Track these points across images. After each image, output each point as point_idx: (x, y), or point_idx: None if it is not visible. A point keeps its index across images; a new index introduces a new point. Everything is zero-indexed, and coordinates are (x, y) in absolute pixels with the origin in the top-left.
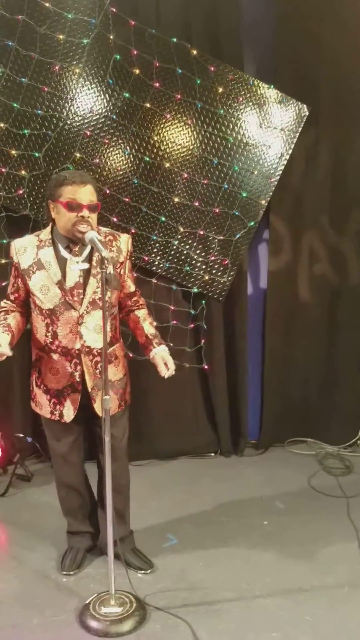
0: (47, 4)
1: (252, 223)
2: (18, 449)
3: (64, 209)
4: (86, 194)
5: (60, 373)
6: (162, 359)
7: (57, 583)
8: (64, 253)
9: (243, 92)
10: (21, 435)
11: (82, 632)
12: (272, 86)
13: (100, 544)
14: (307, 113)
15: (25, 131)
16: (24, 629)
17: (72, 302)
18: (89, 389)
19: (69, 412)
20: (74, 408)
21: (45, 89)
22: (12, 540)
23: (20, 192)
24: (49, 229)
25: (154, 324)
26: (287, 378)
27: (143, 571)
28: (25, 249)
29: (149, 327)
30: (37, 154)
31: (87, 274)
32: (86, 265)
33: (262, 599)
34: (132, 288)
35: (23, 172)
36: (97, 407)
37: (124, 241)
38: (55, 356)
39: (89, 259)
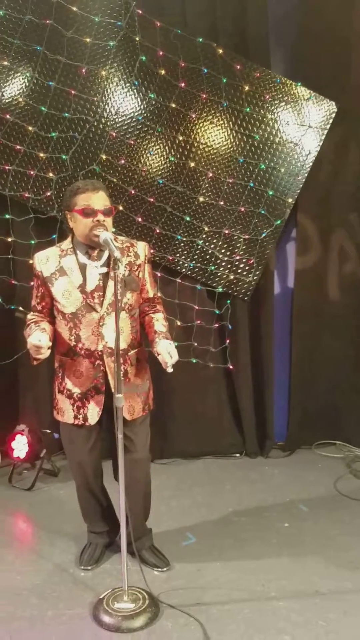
0: (74, 8)
1: (278, 221)
2: (45, 445)
3: (80, 216)
4: (99, 199)
5: (84, 375)
6: (166, 348)
7: (74, 577)
8: (83, 259)
9: (270, 90)
10: (48, 431)
11: (94, 627)
12: (299, 84)
13: (118, 541)
14: (335, 110)
15: (53, 134)
16: (39, 621)
17: (93, 305)
18: (112, 389)
19: (93, 414)
20: (98, 409)
21: (73, 92)
22: (34, 533)
23: (48, 193)
24: (69, 239)
25: (167, 326)
26: (315, 379)
27: (159, 569)
28: (48, 258)
29: (160, 326)
30: (64, 157)
31: (106, 277)
32: (104, 269)
33: (275, 601)
34: (151, 294)
35: (51, 174)
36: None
37: (141, 247)
38: (79, 359)
39: (107, 263)
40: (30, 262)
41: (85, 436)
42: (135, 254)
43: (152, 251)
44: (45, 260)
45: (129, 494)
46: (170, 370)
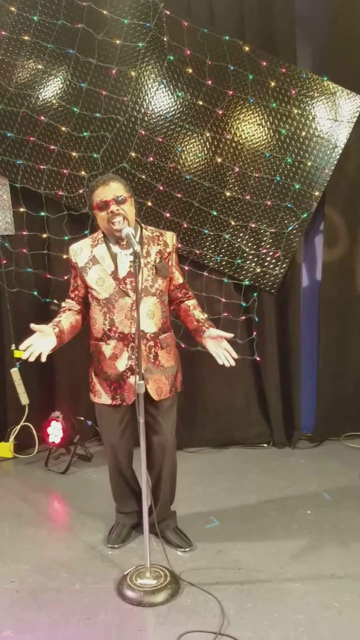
0: (104, 12)
1: (304, 215)
2: (78, 431)
3: (97, 212)
4: (110, 190)
5: (120, 358)
6: (218, 333)
7: (102, 555)
8: (115, 248)
9: (295, 85)
10: (82, 418)
11: (118, 600)
12: (325, 78)
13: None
14: None
15: (85, 134)
16: (67, 593)
17: (126, 290)
18: (143, 371)
19: (129, 394)
20: (134, 390)
21: (104, 92)
22: (67, 513)
23: (80, 191)
24: (100, 230)
25: (204, 313)
26: (342, 371)
27: (182, 549)
28: (82, 249)
29: (199, 314)
30: (95, 155)
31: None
32: (130, 256)
33: (292, 582)
34: (181, 280)
35: (83, 172)
36: (150, 388)
37: (169, 236)
38: (113, 342)
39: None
40: (65, 256)
41: (119, 418)
42: (165, 242)
43: (179, 243)
44: (79, 252)
45: (154, 477)
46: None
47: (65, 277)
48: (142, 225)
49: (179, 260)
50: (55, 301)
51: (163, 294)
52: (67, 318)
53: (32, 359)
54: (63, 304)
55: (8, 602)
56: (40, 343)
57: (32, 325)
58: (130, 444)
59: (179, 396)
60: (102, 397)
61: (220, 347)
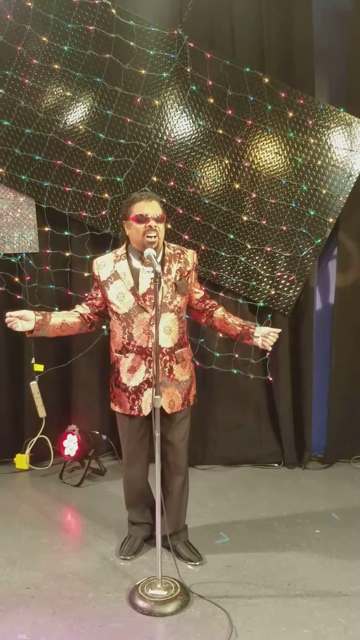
0: (131, 43)
1: (319, 240)
2: (93, 445)
3: (134, 222)
4: (152, 208)
5: (137, 370)
6: (268, 329)
7: (115, 565)
8: (137, 264)
9: (312, 116)
10: (97, 432)
11: (129, 609)
12: (342, 109)
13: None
14: None
15: (109, 158)
16: (80, 600)
17: (145, 306)
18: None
19: (146, 406)
20: (150, 402)
21: (128, 120)
22: (80, 525)
23: (103, 213)
24: (123, 246)
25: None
26: (354, 393)
27: (192, 563)
28: (105, 264)
29: (235, 319)
30: (118, 179)
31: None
32: (150, 273)
33: (299, 598)
34: (201, 293)
35: (106, 195)
36: (163, 402)
37: (190, 254)
38: (132, 355)
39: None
40: (86, 274)
41: (138, 429)
42: (185, 260)
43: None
44: (102, 266)
45: (166, 489)
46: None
47: (86, 295)
48: (166, 242)
49: (197, 276)
50: None
51: (181, 310)
52: (65, 316)
53: (8, 325)
54: (77, 306)
55: (23, 607)
56: (22, 322)
57: (10, 313)
58: (147, 456)
59: (191, 413)
60: (122, 407)
61: (267, 339)
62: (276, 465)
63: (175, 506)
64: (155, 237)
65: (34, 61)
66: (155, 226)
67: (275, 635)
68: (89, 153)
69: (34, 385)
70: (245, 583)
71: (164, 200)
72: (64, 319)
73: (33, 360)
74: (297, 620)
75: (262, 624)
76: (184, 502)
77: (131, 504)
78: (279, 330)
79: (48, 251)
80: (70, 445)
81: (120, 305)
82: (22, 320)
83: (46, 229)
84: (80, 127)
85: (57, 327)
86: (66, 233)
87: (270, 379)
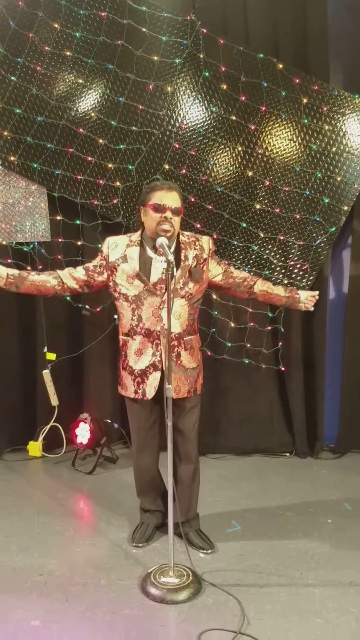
0: (143, 29)
1: (333, 229)
2: (105, 433)
3: (151, 210)
4: (171, 199)
5: (144, 353)
6: (308, 293)
7: (127, 553)
8: (150, 253)
9: (327, 102)
10: (109, 420)
11: (142, 597)
12: (357, 96)
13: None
14: None
15: (121, 146)
16: (93, 587)
17: (154, 291)
18: (163, 369)
19: (150, 390)
20: (155, 386)
21: (140, 107)
22: (93, 512)
23: (115, 201)
24: (139, 232)
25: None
26: None
27: (204, 551)
28: (117, 245)
29: (278, 289)
30: (130, 167)
31: (175, 266)
32: (164, 265)
33: (311, 587)
34: (221, 270)
35: (118, 183)
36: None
37: (206, 241)
38: (139, 338)
39: (175, 255)
40: None
41: (146, 415)
42: (201, 247)
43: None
44: (114, 246)
45: (177, 480)
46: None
47: (90, 265)
48: (180, 231)
49: (219, 260)
50: (87, 306)
51: (193, 297)
52: (39, 277)
53: None
54: (66, 269)
55: (36, 594)
56: None
57: None
58: (157, 444)
59: (203, 402)
60: (127, 390)
61: (309, 303)
62: (287, 455)
63: (186, 494)
64: (170, 228)
65: (46, 48)
66: (171, 218)
67: (287, 624)
68: (101, 141)
69: (46, 373)
70: (257, 572)
71: None
72: (37, 279)
73: (45, 349)
74: (308, 609)
75: (273, 613)
76: (195, 490)
77: (142, 491)
78: (317, 292)
79: (60, 240)
80: (83, 433)
81: (129, 287)
82: None
83: (58, 217)
84: (92, 114)
85: (29, 285)
86: (78, 222)
87: (283, 369)
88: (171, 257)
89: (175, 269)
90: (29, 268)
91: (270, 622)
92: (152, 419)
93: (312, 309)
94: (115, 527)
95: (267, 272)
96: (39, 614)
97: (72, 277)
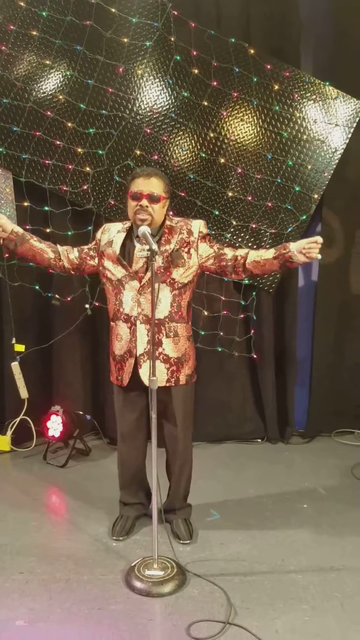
0: (113, 10)
1: (304, 217)
2: (77, 425)
3: (129, 199)
4: (148, 185)
5: (123, 339)
6: (299, 245)
7: (107, 547)
8: (135, 241)
9: (298, 89)
10: (81, 412)
11: (126, 591)
12: (327, 83)
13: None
14: None
15: (91, 130)
16: (76, 583)
17: (135, 276)
18: (137, 355)
19: (125, 377)
20: (129, 372)
21: (110, 90)
22: (69, 506)
23: (85, 187)
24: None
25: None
26: (335, 369)
27: (179, 540)
28: (109, 230)
29: (265, 253)
30: (100, 152)
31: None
32: (144, 254)
33: (294, 574)
34: (212, 252)
35: (88, 168)
36: (143, 373)
37: (196, 225)
38: (120, 323)
39: (157, 242)
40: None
41: (130, 405)
42: (189, 231)
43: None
44: (106, 231)
45: (169, 467)
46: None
47: (86, 246)
48: (168, 217)
49: (211, 240)
50: (57, 295)
51: (176, 282)
52: (40, 245)
53: None
54: (63, 246)
55: (18, 593)
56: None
57: None
58: (143, 437)
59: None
60: (113, 375)
61: (311, 251)
62: (259, 441)
63: (173, 487)
64: (146, 217)
65: (11, 27)
66: (147, 206)
67: (274, 612)
68: (70, 124)
69: (15, 366)
70: (240, 560)
71: None
72: (39, 246)
73: (14, 341)
74: (294, 596)
75: (260, 601)
76: (182, 483)
77: (124, 485)
78: (315, 238)
79: (27, 227)
80: (55, 426)
81: (113, 271)
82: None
83: (25, 203)
84: (60, 97)
85: (29, 248)
86: (46, 208)
87: (255, 356)
88: (155, 247)
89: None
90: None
91: (257, 611)
92: (137, 411)
93: (319, 256)
94: (94, 521)
95: None
96: (23, 614)
97: (67, 257)
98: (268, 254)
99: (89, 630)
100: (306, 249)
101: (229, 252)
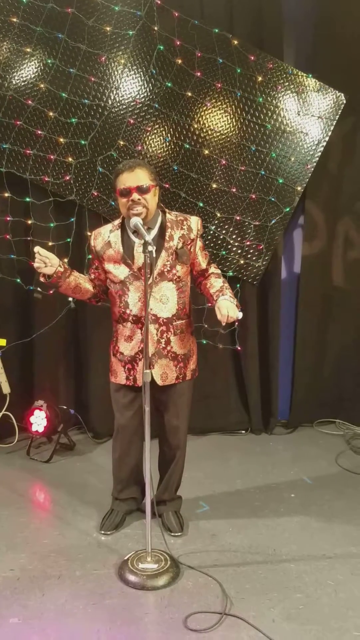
0: None
1: (287, 209)
2: (62, 420)
3: (119, 197)
4: (134, 178)
5: (133, 340)
6: (219, 308)
7: (98, 541)
8: (133, 237)
9: (282, 81)
10: (65, 407)
11: (120, 585)
12: (310, 75)
13: (143, 507)
14: (344, 101)
15: (73, 120)
16: (69, 579)
17: (139, 275)
18: (149, 355)
19: (139, 377)
20: (141, 372)
21: (92, 79)
22: (56, 501)
23: (67, 178)
24: (121, 217)
25: (221, 282)
26: (318, 360)
27: (171, 533)
28: (100, 233)
29: (213, 283)
30: (83, 142)
31: (159, 248)
32: (153, 248)
33: (287, 563)
34: (204, 265)
35: (70, 159)
36: (155, 373)
37: (194, 222)
38: (128, 325)
39: (160, 235)
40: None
41: (129, 401)
42: (189, 227)
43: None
44: (98, 236)
45: (164, 459)
46: (223, 324)
47: (90, 273)
48: (166, 210)
49: (203, 245)
50: (38, 289)
51: (181, 280)
52: (82, 280)
53: (35, 265)
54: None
55: (10, 590)
56: (47, 266)
57: (39, 249)
58: (139, 431)
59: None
60: (117, 377)
61: (221, 317)
62: (243, 432)
63: (167, 477)
64: (141, 210)
65: None
66: (139, 199)
67: (269, 602)
68: (51, 114)
69: None
70: (232, 551)
71: None
72: (80, 282)
73: None
74: (288, 585)
75: (254, 591)
76: (175, 475)
77: (121, 479)
78: (221, 318)
79: (8, 218)
80: (38, 421)
81: (116, 272)
82: (47, 264)
83: (6, 194)
84: (41, 85)
85: (72, 286)
86: (27, 199)
87: (239, 348)
88: (148, 238)
89: (159, 250)
90: None
91: (252, 601)
92: (136, 406)
93: (222, 325)
94: (83, 516)
95: (224, 253)
96: (16, 611)
97: (90, 279)
98: (213, 289)
99: (85, 626)
100: (222, 317)
101: (203, 262)
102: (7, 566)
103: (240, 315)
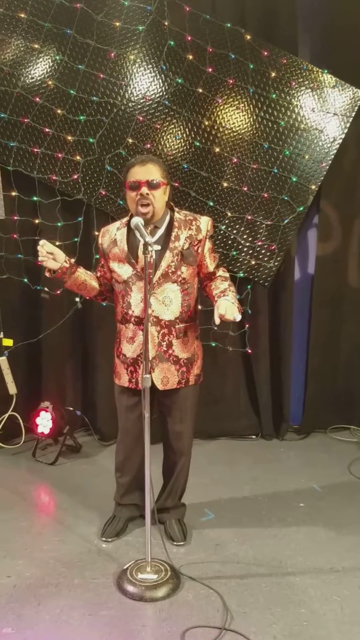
0: None
1: (301, 208)
2: (68, 421)
3: (128, 191)
4: (144, 172)
5: (135, 342)
6: (217, 307)
7: (98, 548)
8: (138, 236)
9: (296, 77)
10: (71, 408)
11: (119, 595)
12: (325, 71)
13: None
14: None
15: (81, 117)
16: (66, 588)
17: (143, 275)
18: (150, 358)
19: (141, 380)
20: (142, 375)
21: (101, 75)
22: (59, 505)
23: (75, 176)
24: (129, 215)
25: (227, 284)
26: (332, 364)
27: (173, 542)
28: (108, 231)
29: (218, 285)
30: (91, 140)
31: (164, 248)
32: (158, 247)
33: (292, 576)
34: (211, 268)
35: (78, 157)
36: (155, 377)
37: (204, 222)
38: (130, 326)
39: (166, 234)
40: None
41: (133, 405)
42: (198, 227)
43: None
44: (105, 233)
45: (167, 465)
46: (217, 322)
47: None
48: (176, 208)
49: (213, 243)
50: (46, 289)
51: (186, 282)
52: (88, 277)
53: (39, 259)
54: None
55: (5, 598)
56: (52, 261)
57: (43, 242)
58: (143, 435)
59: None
60: (121, 379)
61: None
62: (254, 437)
63: (173, 481)
64: (148, 208)
65: None
66: (148, 193)
67: (272, 617)
68: (59, 111)
69: (3, 360)
70: (235, 562)
71: None
72: (86, 279)
73: (2, 335)
74: (292, 599)
75: (257, 605)
76: (178, 482)
77: (123, 484)
78: (218, 320)
79: (15, 218)
80: (44, 422)
81: (120, 272)
82: (52, 258)
83: (13, 193)
84: (49, 82)
85: (78, 282)
86: (35, 198)
87: (249, 351)
88: (149, 239)
89: (164, 250)
90: None
91: (254, 616)
92: (139, 408)
93: (216, 323)
94: (84, 521)
95: (234, 253)
96: (10, 620)
97: (96, 277)
98: (217, 290)
99: (80, 637)
100: (219, 316)
101: (210, 265)
102: (4, 573)
103: (238, 317)
